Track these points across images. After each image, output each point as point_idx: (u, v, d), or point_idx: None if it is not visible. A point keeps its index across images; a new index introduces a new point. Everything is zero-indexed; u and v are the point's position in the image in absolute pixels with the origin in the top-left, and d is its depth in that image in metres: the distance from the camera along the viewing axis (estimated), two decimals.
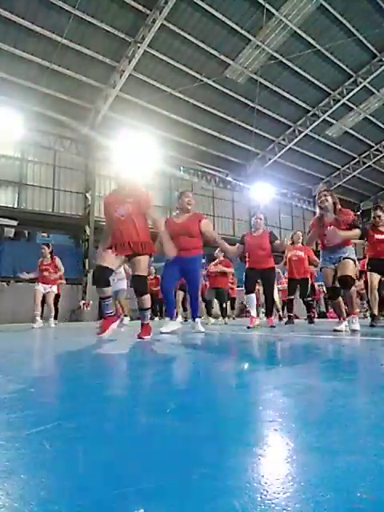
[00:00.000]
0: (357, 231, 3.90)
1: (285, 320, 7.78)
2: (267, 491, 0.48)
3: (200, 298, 4.51)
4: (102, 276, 3.28)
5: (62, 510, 0.45)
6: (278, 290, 9.08)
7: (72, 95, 12.94)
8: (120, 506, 0.46)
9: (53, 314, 7.17)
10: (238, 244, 5.44)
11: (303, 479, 0.51)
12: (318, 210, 4.14)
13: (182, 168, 17.48)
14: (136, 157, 14.19)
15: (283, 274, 9.02)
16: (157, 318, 10.14)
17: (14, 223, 13.88)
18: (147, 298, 3.43)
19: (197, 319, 4.46)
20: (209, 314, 7.91)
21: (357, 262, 4.12)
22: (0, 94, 11.86)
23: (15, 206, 13.87)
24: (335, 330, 3.89)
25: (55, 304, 7.51)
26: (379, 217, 4.97)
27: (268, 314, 5.52)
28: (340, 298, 4.06)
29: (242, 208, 19.10)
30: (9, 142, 13.10)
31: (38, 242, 9.39)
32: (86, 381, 1.44)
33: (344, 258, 3.91)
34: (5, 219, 13.52)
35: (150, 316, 3.57)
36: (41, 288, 6.88)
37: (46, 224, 14.30)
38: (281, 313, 9.13)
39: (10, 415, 0.89)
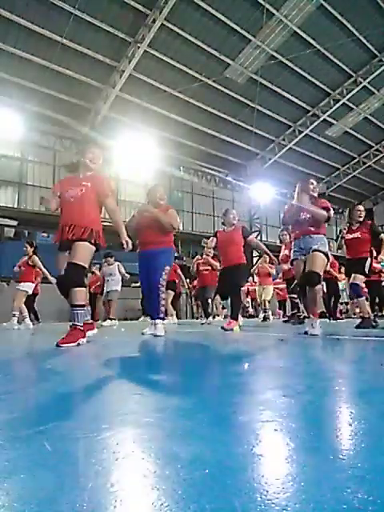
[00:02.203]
0: (325, 213, 3.65)
1: (283, 320, 7.77)
2: (267, 491, 0.48)
3: (161, 296, 3.78)
4: (63, 286, 2.93)
5: (61, 509, 0.45)
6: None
7: (72, 95, 12.94)
8: (120, 506, 0.46)
9: (25, 314, 6.80)
10: (212, 237, 5.12)
11: (303, 479, 0.51)
12: (296, 197, 3.87)
13: (181, 168, 17.48)
14: (136, 157, 14.20)
15: (278, 273, 9.02)
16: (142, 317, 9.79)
17: (14, 223, 13.88)
18: (79, 291, 2.82)
19: (157, 321, 3.78)
20: (206, 314, 7.79)
21: (329, 256, 3.75)
22: (0, 93, 11.86)
23: (15, 206, 13.87)
24: (307, 333, 3.48)
25: (31, 304, 7.29)
26: (360, 211, 4.85)
27: (233, 316, 4.71)
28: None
29: (242, 208, 19.09)
30: (9, 142, 13.11)
31: (39, 241, 9.40)
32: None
33: (314, 251, 3.61)
34: (5, 219, 13.52)
35: (84, 316, 2.94)
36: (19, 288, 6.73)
37: (45, 224, 14.27)
38: (268, 313, 8.98)
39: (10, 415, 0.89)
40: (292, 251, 3.91)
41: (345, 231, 4.98)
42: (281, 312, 11.17)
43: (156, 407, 0.95)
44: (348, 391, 1.15)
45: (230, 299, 4.84)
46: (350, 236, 4.87)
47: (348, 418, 0.83)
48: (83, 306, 2.88)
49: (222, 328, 4.50)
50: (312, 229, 3.70)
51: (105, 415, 0.90)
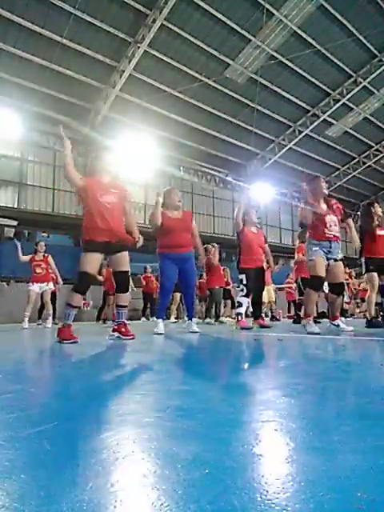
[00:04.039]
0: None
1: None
2: (267, 491, 0.48)
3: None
4: (88, 285, 3.12)
5: (61, 509, 0.45)
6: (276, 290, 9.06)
7: (72, 95, 12.94)
8: (120, 506, 0.46)
9: (50, 312, 6.96)
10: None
11: (303, 479, 0.51)
12: (311, 196, 3.87)
13: (181, 168, 17.46)
14: (136, 157, 14.19)
15: (288, 274, 9.01)
16: (143, 319, 10.00)
17: (14, 223, 13.88)
18: (127, 295, 3.36)
19: (193, 319, 4.35)
20: (217, 316, 7.79)
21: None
22: (0, 93, 11.86)
23: (15, 206, 13.86)
24: (312, 333, 3.49)
25: (53, 303, 7.44)
26: (381, 212, 4.73)
27: (260, 315, 5.23)
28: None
29: None
30: (9, 142, 13.10)
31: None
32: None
33: (339, 260, 3.76)
34: (5, 219, 13.52)
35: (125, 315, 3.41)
36: (36, 288, 6.67)
37: (45, 224, 14.30)
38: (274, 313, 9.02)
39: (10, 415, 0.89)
40: (314, 247, 3.75)
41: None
42: (280, 312, 11.15)
43: (156, 407, 0.95)
44: (348, 391, 1.15)
45: (253, 298, 5.15)
46: (381, 232, 4.63)
47: (348, 417, 0.83)
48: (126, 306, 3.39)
49: (262, 327, 4.87)
50: (338, 234, 3.81)
51: (105, 415, 0.90)
